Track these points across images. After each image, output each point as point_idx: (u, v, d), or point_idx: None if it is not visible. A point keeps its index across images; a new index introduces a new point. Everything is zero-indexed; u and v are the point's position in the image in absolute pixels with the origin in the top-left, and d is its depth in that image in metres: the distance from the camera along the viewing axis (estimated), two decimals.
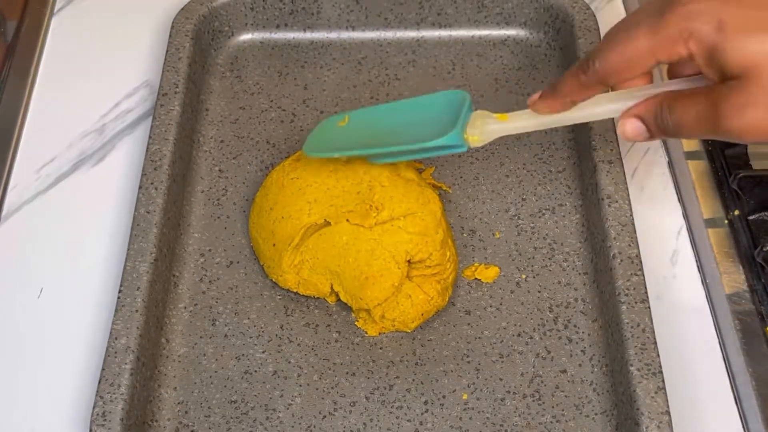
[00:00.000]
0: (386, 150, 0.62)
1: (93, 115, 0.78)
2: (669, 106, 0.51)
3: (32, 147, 0.76)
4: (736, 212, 0.71)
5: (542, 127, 0.59)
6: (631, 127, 0.53)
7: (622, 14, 0.84)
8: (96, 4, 0.86)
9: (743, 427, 0.62)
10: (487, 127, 0.59)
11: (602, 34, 0.75)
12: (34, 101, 0.79)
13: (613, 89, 0.56)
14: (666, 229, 0.71)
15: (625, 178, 0.68)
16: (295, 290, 0.66)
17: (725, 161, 0.73)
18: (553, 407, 0.62)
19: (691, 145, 0.76)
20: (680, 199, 0.73)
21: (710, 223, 0.72)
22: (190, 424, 0.62)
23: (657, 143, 0.76)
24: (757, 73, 0.45)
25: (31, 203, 0.73)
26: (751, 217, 0.70)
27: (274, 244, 0.66)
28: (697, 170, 0.74)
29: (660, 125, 0.52)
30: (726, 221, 0.71)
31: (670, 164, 0.75)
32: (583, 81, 0.53)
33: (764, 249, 0.68)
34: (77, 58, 0.82)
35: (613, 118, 0.68)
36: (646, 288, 0.62)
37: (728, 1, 0.46)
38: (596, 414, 0.61)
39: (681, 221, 0.72)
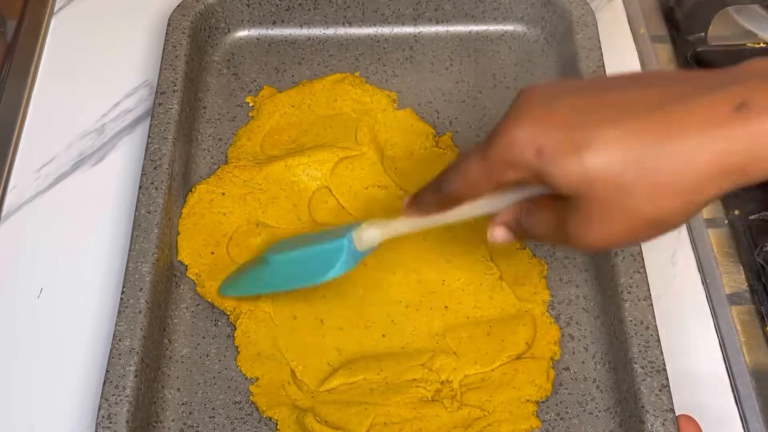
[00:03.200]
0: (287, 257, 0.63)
1: (93, 114, 0.78)
2: (526, 215, 0.53)
3: (32, 147, 0.76)
4: (736, 212, 0.71)
5: (418, 229, 0.59)
6: (498, 233, 0.55)
7: (622, 14, 0.85)
8: (96, 4, 0.86)
9: (743, 427, 0.62)
10: (364, 234, 0.60)
11: (601, 32, 0.75)
12: (34, 101, 0.79)
13: None
14: None
15: None
16: None
17: None
18: (556, 404, 0.62)
19: None
20: None
21: (710, 223, 0.72)
22: (195, 425, 0.61)
23: None
24: (587, 192, 0.46)
25: (31, 203, 0.73)
26: (751, 217, 0.71)
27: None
28: None
29: (522, 231, 0.54)
30: (726, 221, 0.72)
31: None
32: (439, 200, 0.55)
33: (764, 249, 0.68)
34: (77, 58, 0.82)
35: None
36: (648, 285, 0.62)
37: (546, 125, 0.47)
38: (600, 411, 0.61)
39: None
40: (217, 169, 0.72)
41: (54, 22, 0.84)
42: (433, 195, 0.55)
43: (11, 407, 0.63)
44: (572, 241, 0.49)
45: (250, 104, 0.77)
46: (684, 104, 0.44)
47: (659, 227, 0.46)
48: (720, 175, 0.43)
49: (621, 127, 0.44)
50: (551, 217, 0.50)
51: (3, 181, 0.74)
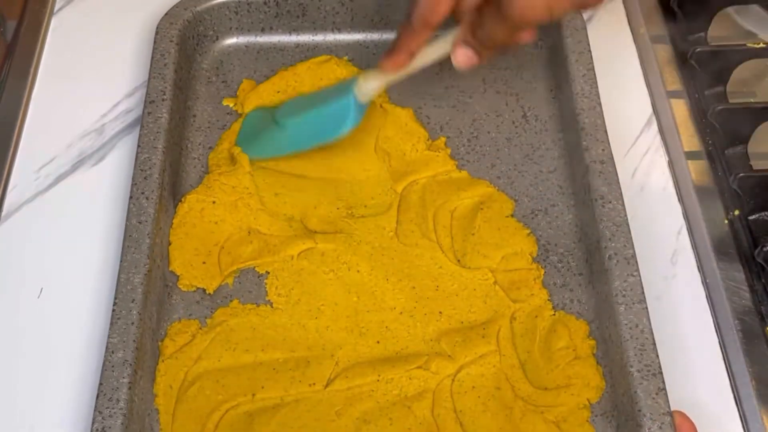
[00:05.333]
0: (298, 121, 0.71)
1: (92, 115, 0.78)
2: (476, 26, 0.60)
3: (32, 147, 0.76)
4: (736, 212, 0.71)
5: (398, 79, 0.67)
6: (461, 54, 0.62)
7: (622, 14, 0.84)
8: (96, 4, 0.86)
9: (743, 427, 0.62)
10: (364, 88, 0.68)
11: (601, 32, 0.75)
12: (34, 101, 0.79)
13: None
14: (666, 229, 0.71)
15: (618, 178, 0.67)
16: None
17: (725, 161, 0.73)
18: None
19: (691, 145, 0.76)
20: (680, 199, 0.73)
21: (710, 222, 0.72)
22: None
23: (657, 143, 0.76)
24: None
25: (31, 203, 0.73)
26: (751, 217, 0.70)
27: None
28: (697, 170, 0.74)
29: (480, 40, 0.60)
30: (726, 221, 0.71)
31: (670, 164, 0.75)
32: (412, 30, 0.61)
33: (764, 249, 0.68)
34: (77, 58, 0.82)
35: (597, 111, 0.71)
36: (642, 288, 0.62)
37: None
38: (596, 415, 0.61)
39: (681, 221, 0.72)
40: (204, 177, 0.72)
41: (54, 22, 0.85)
42: (404, 33, 0.62)
43: (3, 416, 0.63)
44: (513, 18, 0.56)
45: (231, 106, 0.77)
46: None
47: None
48: None
49: None
50: (492, 10, 0.57)
51: (3, 181, 0.74)
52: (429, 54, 0.63)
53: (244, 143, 0.73)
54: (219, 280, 0.67)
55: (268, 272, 0.68)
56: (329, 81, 0.77)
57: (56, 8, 0.86)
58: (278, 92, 0.76)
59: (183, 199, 0.70)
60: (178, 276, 0.67)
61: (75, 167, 0.75)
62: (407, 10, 0.61)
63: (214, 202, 0.70)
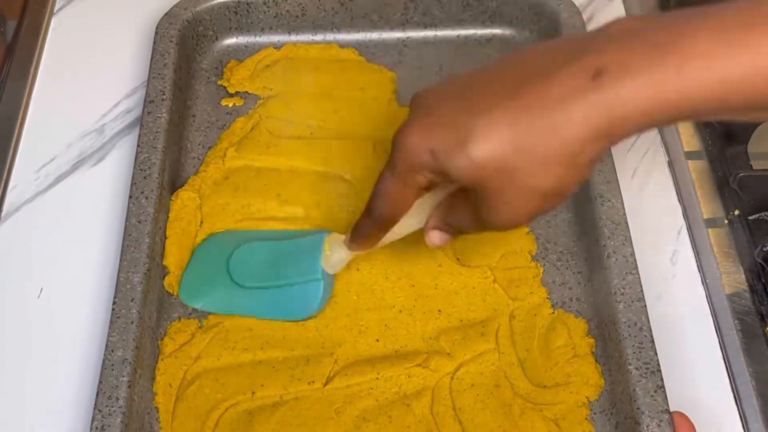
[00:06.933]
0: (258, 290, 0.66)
1: (93, 115, 0.78)
2: (448, 213, 0.57)
3: (32, 147, 0.76)
4: (736, 212, 0.71)
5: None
6: (434, 237, 0.58)
7: (622, 14, 0.84)
8: (96, 4, 0.86)
9: (743, 427, 0.62)
10: (330, 261, 0.64)
11: None
12: (34, 101, 0.79)
13: None
14: (666, 229, 0.71)
15: (617, 177, 0.67)
16: None
17: (725, 161, 0.73)
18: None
19: (691, 145, 0.76)
20: (680, 199, 0.73)
21: (710, 223, 0.72)
22: None
23: (657, 143, 0.76)
24: (482, 181, 0.49)
25: (31, 203, 0.73)
26: (751, 217, 0.70)
27: None
28: (697, 170, 0.74)
29: (452, 229, 0.57)
30: (726, 221, 0.71)
31: (670, 164, 0.75)
32: (374, 226, 0.59)
33: (764, 249, 0.68)
34: (77, 58, 0.82)
35: None
36: (641, 287, 0.62)
37: (431, 127, 0.50)
38: (595, 413, 0.61)
39: (681, 221, 0.72)
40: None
41: (54, 22, 0.85)
42: (368, 223, 0.59)
43: (3, 415, 0.63)
44: (489, 226, 0.53)
45: (230, 105, 0.77)
46: (546, 78, 0.47)
47: (558, 194, 0.49)
48: (592, 139, 0.46)
49: (490, 114, 0.48)
50: (467, 207, 0.54)
51: (3, 181, 0.74)
52: (399, 231, 0.60)
53: (191, 287, 0.67)
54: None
55: None
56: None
57: (56, 8, 0.86)
58: (268, 66, 0.77)
59: (173, 197, 0.70)
60: (168, 272, 0.67)
61: (75, 167, 0.75)
62: (367, 204, 0.58)
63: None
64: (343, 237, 0.63)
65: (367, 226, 0.59)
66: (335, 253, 0.64)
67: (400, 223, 0.58)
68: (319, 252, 0.64)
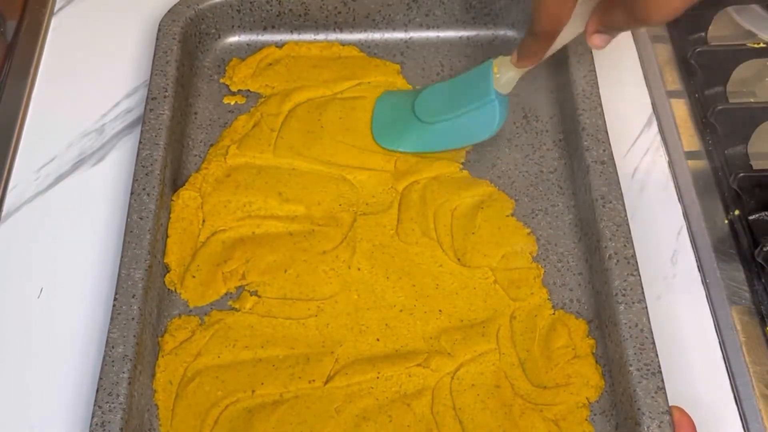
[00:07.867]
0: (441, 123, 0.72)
1: (93, 115, 0.78)
2: (605, 14, 0.61)
3: (32, 147, 0.76)
4: (736, 212, 0.71)
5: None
6: (597, 39, 0.63)
7: None
8: (96, 4, 0.86)
9: (743, 427, 0.62)
10: (503, 80, 0.69)
11: None
12: (34, 101, 0.79)
13: None
14: (666, 229, 0.71)
15: (618, 179, 0.67)
16: None
17: (725, 161, 0.73)
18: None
19: (691, 145, 0.76)
20: (680, 199, 0.73)
21: (710, 222, 0.72)
22: None
23: (657, 143, 0.76)
24: None
25: (31, 203, 0.73)
26: (751, 217, 0.70)
27: None
28: (697, 170, 0.74)
29: (611, 29, 0.62)
30: (726, 221, 0.71)
31: (670, 164, 0.75)
32: (540, 43, 0.64)
33: (764, 249, 0.68)
34: (77, 58, 0.82)
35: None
36: (642, 288, 0.62)
37: None
38: (595, 414, 0.61)
39: (681, 221, 0.72)
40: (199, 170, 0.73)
41: (54, 22, 0.85)
42: (532, 41, 0.64)
43: (3, 412, 0.63)
44: (647, 20, 0.57)
45: (232, 103, 0.77)
46: None
47: None
48: None
49: None
50: (623, 5, 0.58)
51: (3, 181, 0.74)
52: (560, 41, 0.65)
53: (380, 132, 0.74)
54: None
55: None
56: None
57: (56, 8, 0.86)
58: (270, 65, 0.78)
59: (174, 197, 0.70)
60: (169, 269, 0.67)
61: (75, 167, 0.75)
62: (527, 28, 0.64)
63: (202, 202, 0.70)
64: (509, 58, 0.68)
65: (532, 44, 0.65)
66: (504, 74, 0.69)
67: (561, 34, 0.64)
68: (490, 76, 0.69)
